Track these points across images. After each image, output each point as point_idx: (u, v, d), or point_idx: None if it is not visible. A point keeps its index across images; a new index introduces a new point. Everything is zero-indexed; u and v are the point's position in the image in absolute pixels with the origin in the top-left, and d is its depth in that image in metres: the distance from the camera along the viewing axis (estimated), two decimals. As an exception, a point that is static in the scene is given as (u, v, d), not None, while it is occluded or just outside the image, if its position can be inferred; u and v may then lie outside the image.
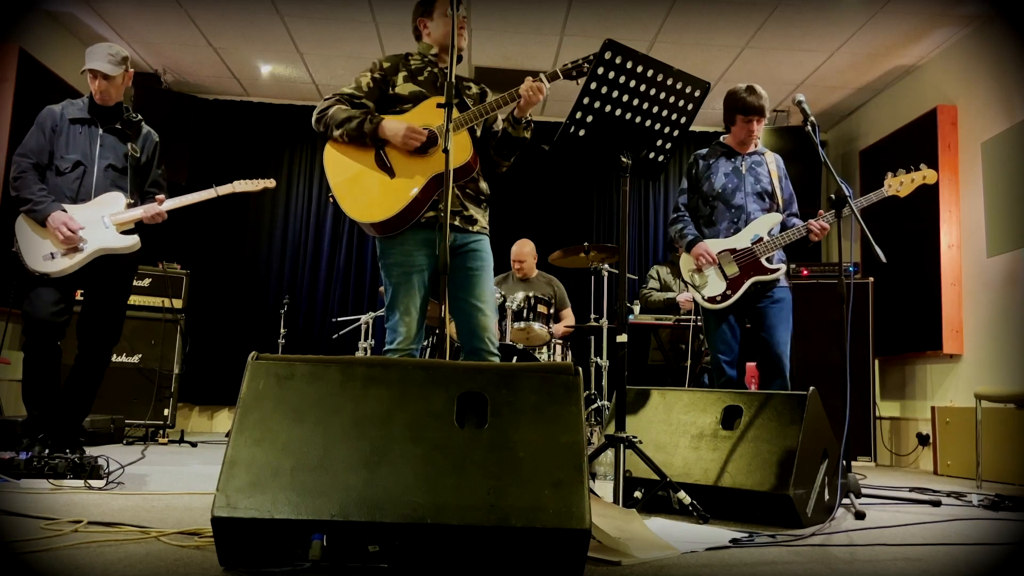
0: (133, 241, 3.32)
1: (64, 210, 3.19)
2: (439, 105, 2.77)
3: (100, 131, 3.34)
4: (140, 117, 3.51)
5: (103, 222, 3.25)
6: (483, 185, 2.90)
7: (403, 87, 2.79)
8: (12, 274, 3.28)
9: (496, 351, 2.78)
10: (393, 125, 2.68)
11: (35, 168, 3.24)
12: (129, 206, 3.33)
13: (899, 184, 3.39)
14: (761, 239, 3.44)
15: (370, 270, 6.70)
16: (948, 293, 5.16)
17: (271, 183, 3.75)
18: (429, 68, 2.85)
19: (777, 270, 3.42)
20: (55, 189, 3.24)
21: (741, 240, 3.46)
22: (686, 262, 3.59)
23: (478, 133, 2.88)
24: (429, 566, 1.53)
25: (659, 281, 5.57)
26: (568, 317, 5.35)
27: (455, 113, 2.67)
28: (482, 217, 2.87)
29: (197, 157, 6.39)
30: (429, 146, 2.68)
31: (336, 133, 2.71)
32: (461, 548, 1.52)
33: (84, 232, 3.20)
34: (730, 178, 3.53)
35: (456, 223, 2.76)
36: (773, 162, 3.60)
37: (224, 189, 3.57)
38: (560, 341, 4.94)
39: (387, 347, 2.74)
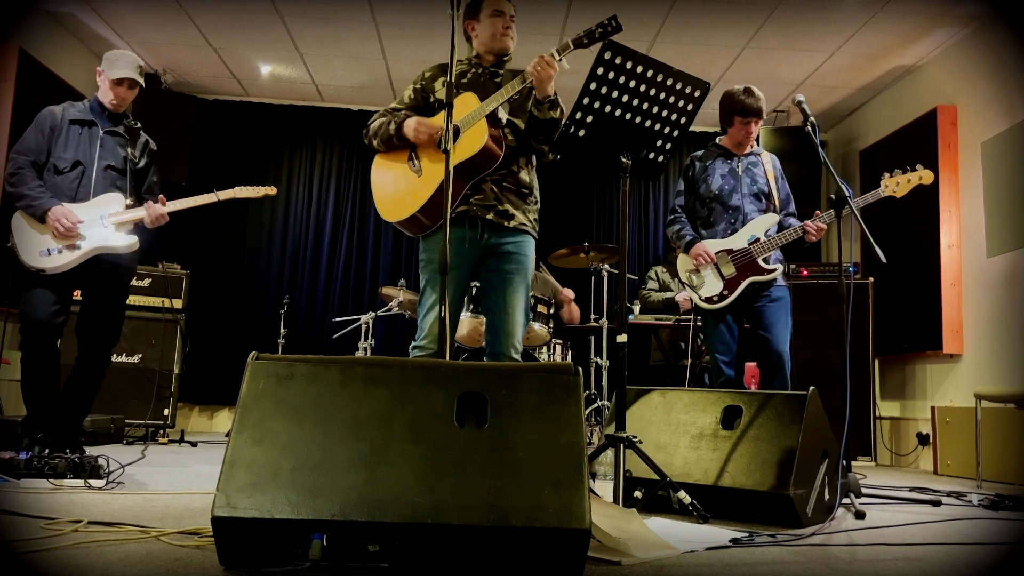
0: (132, 241, 3.32)
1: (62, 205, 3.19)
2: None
3: (100, 132, 3.34)
4: (139, 125, 3.52)
5: (102, 221, 3.25)
6: (524, 177, 2.82)
7: (442, 92, 2.80)
8: (8, 271, 3.27)
9: (517, 359, 2.74)
10: (409, 122, 2.75)
11: (32, 166, 3.23)
12: (128, 207, 3.33)
13: (895, 184, 3.39)
14: (758, 239, 3.45)
15: (370, 270, 6.70)
16: (948, 293, 5.16)
17: (272, 190, 3.75)
18: (473, 71, 2.84)
19: (774, 270, 3.44)
20: (54, 188, 3.23)
21: (738, 241, 3.48)
22: (683, 263, 3.60)
23: (520, 125, 2.79)
24: (429, 566, 1.53)
25: (658, 281, 5.58)
26: (566, 293, 5.27)
27: (475, 103, 2.67)
28: (522, 213, 2.80)
29: (197, 157, 6.39)
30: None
31: (375, 143, 2.85)
32: (461, 548, 1.52)
33: (82, 228, 3.20)
34: (727, 179, 3.55)
35: (490, 218, 2.73)
36: (769, 162, 3.62)
37: (225, 194, 3.57)
38: (560, 341, 4.92)
39: (413, 344, 2.74)
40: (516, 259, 2.77)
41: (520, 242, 2.79)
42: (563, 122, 2.70)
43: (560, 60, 2.60)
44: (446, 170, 2.28)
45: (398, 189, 2.77)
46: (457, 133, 2.65)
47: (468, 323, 4.43)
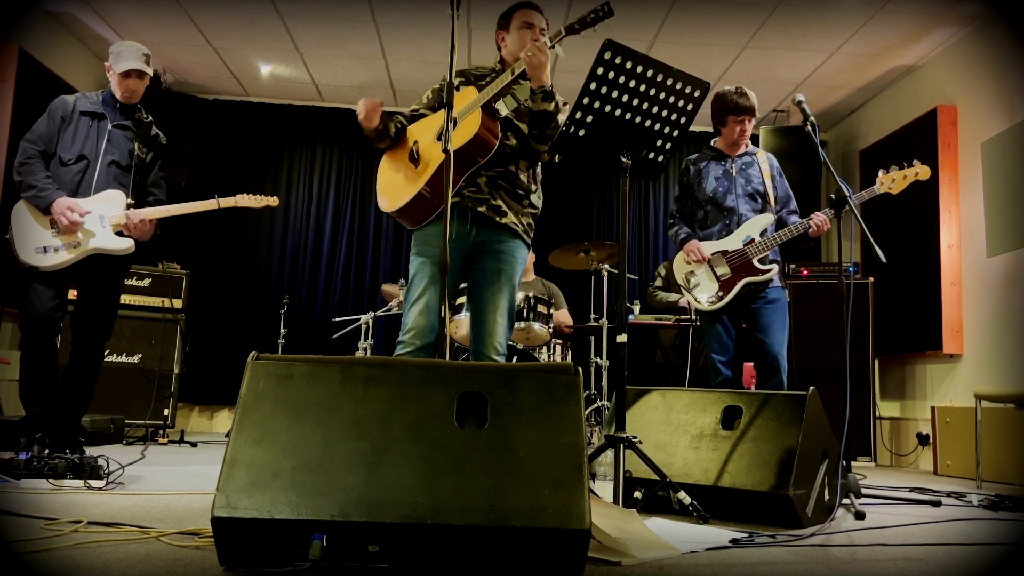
0: (128, 244, 3.30)
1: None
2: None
3: (109, 126, 3.33)
4: (151, 118, 3.50)
5: (101, 222, 3.24)
6: (522, 178, 2.81)
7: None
8: (3, 265, 3.26)
9: (498, 360, 2.72)
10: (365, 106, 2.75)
11: (41, 156, 3.22)
12: (129, 207, 3.32)
13: (891, 181, 3.37)
14: (753, 240, 3.46)
15: (370, 270, 6.70)
16: (948, 293, 5.16)
17: (274, 201, 3.73)
18: (490, 76, 2.82)
19: (769, 271, 3.44)
20: (56, 180, 3.22)
21: (733, 242, 3.49)
22: (679, 267, 3.63)
23: (524, 129, 2.77)
24: (429, 566, 1.53)
25: (665, 280, 5.58)
26: (565, 317, 5.29)
27: (473, 95, 2.68)
28: (514, 213, 2.78)
29: (197, 157, 6.40)
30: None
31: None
32: (461, 548, 1.52)
33: (83, 223, 3.18)
34: (721, 181, 3.57)
35: (481, 210, 2.72)
36: (765, 161, 3.63)
37: (226, 201, 3.56)
38: (560, 341, 4.93)
39: (398, 338, 2.73)
40: (503, 259, 2.76)
41: (509, 243, 2.78)
42: (560, 119, 2.69)
43: (552, 47, 2.58)
44: (446, 170, 2.27)
45: (395, 180, 2.80)
46: (453, 127, 2.67)
47: (467, 324, 4.42)
